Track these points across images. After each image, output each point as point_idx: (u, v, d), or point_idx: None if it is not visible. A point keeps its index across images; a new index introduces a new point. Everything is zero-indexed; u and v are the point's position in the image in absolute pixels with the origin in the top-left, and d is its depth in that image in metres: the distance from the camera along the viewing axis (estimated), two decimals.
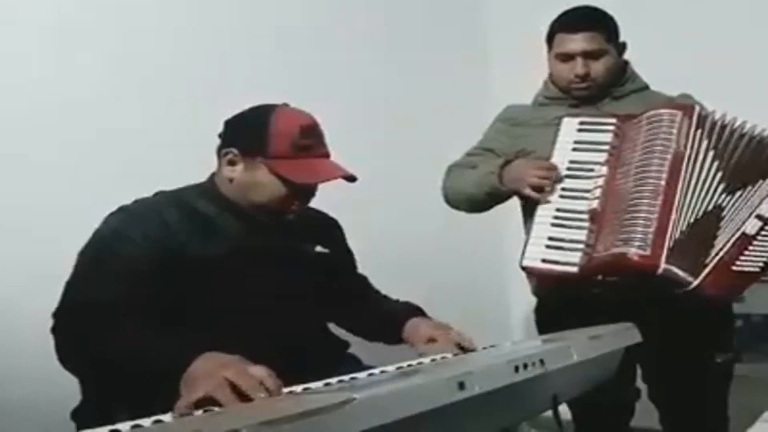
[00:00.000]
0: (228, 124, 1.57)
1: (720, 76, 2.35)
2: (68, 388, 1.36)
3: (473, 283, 2.86)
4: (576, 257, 1.71)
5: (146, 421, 0.99)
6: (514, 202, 1.96)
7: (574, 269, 1.70)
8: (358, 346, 1.68)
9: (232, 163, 1.52)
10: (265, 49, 2.39)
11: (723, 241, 1.66)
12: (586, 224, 1.74)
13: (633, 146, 1.77)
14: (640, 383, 2.01)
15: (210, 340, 1.28)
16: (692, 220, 1.67)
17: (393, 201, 2.54)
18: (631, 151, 1.77)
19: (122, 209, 1.46)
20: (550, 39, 1.94)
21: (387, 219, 2.49)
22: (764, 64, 2.43)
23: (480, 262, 2.93)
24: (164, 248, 1.40)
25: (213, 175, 1.58)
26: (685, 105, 1.80)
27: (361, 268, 1.81)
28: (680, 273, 1.62)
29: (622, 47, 1.95)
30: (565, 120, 1.86)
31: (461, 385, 0.96)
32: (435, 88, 2.87)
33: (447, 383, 0.95)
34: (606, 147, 1.80)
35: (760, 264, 1.66)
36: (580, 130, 1.84)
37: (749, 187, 1.70)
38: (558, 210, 1.78)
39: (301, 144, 1.49)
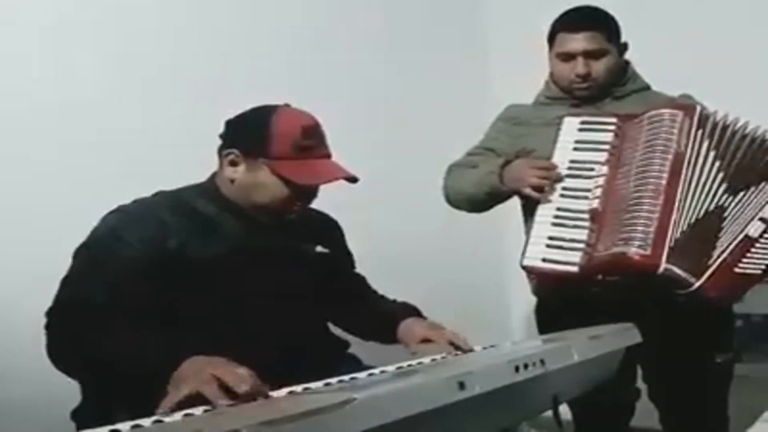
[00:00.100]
0: (229, 124, 1.57)
1: (721, 76, 2.35)
2: (68, 388, 1.36)
3: (473, 283, 2.86)
4: (576, 257, 1.71)
5: (146, 421, 0.99)
6: (515, 202, 1.96)
7: (575, 269, 1.70)
8: (358, 346, 1.68)
9: (233, 163, 1.52)
10: (265, 49, 2.39)
11: (725, 243, 1.66)
12: (587, 224, 1.74)
13: (634, 146, 1.77)
14: (640, 383, 2.01)
15: (209, 340, 1.29)
16: (693, 220, 1.67)
17: (393, 201, 2.54)
18: (632, 151, 1.77)
19: (120, 209, 1.46)
20: (552, 39, 1.94)
21: (387, 219, 2.49)
22: (765, 64, 2.43)
23: (480, 262, 2.93)
24: (161, 249, 1.40)
25: (214, 175, 1.58)
26: (686, 105, 1.80)
27: (361, 268, 1.81)
28: (681, 273, 1.62)
29: (623, 47, 1.95)
30: (566, 119, 1.86)
31: (461, 385, 0.96)
32: (435, 88, 2.87)
33: (447, 383, 0.95)
34: (607, 147, 1.80)
35: (762, 266, 1.66)
36: (581, 130, 1.84)
37: (751, 189, 1.70)
38: (558, 209, 1.78)
39: (302, 145, 1.49)
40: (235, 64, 2.29)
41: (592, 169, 1.79)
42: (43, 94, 1.90)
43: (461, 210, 2.04)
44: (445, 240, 2.68)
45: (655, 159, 1.71)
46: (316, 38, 2.53)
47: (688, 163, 1.70)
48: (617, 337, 1.41)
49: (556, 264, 1.73)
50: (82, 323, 1.29)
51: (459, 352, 1.52)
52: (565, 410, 1.59)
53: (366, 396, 0.84)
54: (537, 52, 2.00)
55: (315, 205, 1.62)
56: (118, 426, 0.95)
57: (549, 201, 1.79)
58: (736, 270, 1.64)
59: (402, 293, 1.78)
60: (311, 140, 1.51)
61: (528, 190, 1.81)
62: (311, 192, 1.55)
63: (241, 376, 1.08)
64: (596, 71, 1.89)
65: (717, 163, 1.71)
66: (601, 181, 1.76)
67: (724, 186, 1.70)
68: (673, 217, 1.65)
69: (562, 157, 1.82)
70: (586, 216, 1.74)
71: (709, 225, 1.68)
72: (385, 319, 1.68)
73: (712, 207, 1.69)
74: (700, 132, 1.73)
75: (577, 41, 1.88)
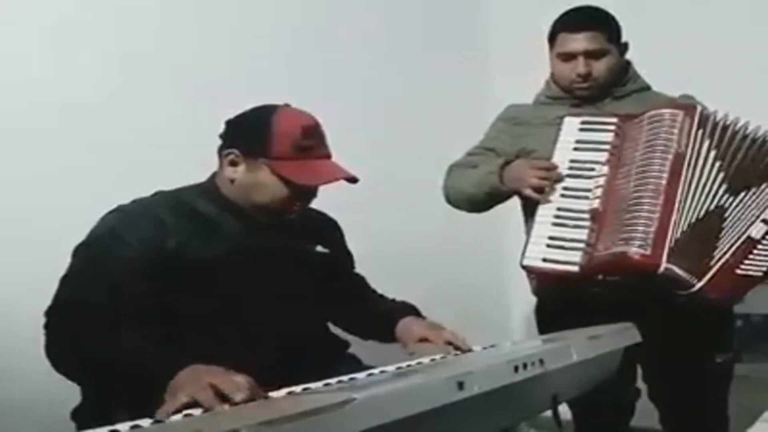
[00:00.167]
0: (229, 124, 1.57)
1: (721, 76, 2.35)
2: (68, 388, 1.36)
3: (473, 283, 2.86)
4: (577, 256, 1.71)
5: (146, 422, 0.99)
6: (515, 202, 1.96)
7: (575, 268, 1.70)
8: (358, 346, 1.68)
9: (233, 163, 1.52)
10: (265, 49, 2.39)
11: (727, 244, 1.66)
12: (587, 224, 1.73)
13: (634, 146, 1.77)
14: (640, 383, 2.01)
15: (209, 340, 1.29)
16: (694, 220, 1.67)
17: (393, 201, 2.54)
18: (632, 151, 1.77)
19: (120, 209, 1.46)
20: (552, 38, 1.94)
21: (387, 219, 2.49)
22: (765, 64, 2.43)
23: (480, 262, 2.93)
24: (161, 249, 1.40)
25: (214, 175, 1.58)
26: (686, 105, 1.80)
27: (361, 268, 1.81)
28: (681, 273, 1.62)
29: (623, 47, 1.95)
30: (567, 119, 1.85)
31: (461, 385, 0.96)
32: (435, 88, 2.87)
33: (447, 383, 0.95)
34: (607, 146, 1.80)
35: (764, 268, 1.66)
36: (581, 130, 1.84)
37: (752, 190, 1.70)
38: (559, 209, 1.78)
39: (302, 145, 1.49)
40: (235, 64, 2.29)
41: (592, 169, 1.79)
42: (43, 94, 1.90)
43: (461, 210, 2.04)
44: (445, 240, 2.68)
45: (655, 159, 1.71)
46: (316, 38, 2.53)
47: (689, 163, 1.70)
48: (617, 337, 1.41)
49: (556, 264, 1.73)
50: (81, 323, 1.29)
51: (458, 352, 1.52)
52: (565, 410, 1.59)
53: (365, 396, 0.84)
54: (537, 52, 2.00)
55: (315, 205, 1.62)
56: (118, 426, 0.95)
57: (549, 201, 1.79)
58: (738, 271, 1.64)
59: (402, 293, 1.78)
60: (311, 140, 1.51)
61: (528, 191, 1.81)
62: (311, 192, 1.55)
63: (238, 384, 1.08)
64: (597, 71, 1.89)
65: (717, 164, 1.71)
66: (601, 181, 1.76)
67: (724, 186, 1.70)
68: (674, 217, 1.65)
69: (562, 156, 1.82)
70: (586, 216, 1.74)
71: (710, 225, 1.67)
72: (383, 318, 1.68)
73: (712, 207, 1.69)
74: (700, 132, 1.73)
75: (578, 41, 1.88)
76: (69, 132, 1.92)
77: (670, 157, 1.70)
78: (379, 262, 1.85)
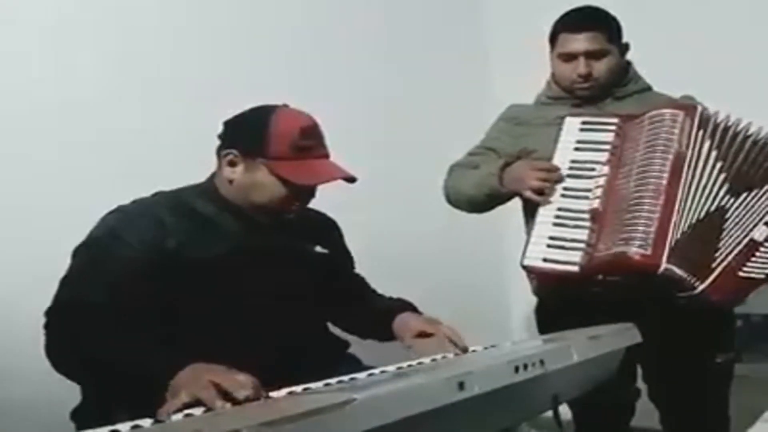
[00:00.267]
0: (228, 124, 1.57)
1: (722, 76, 2.35)
2: (68, 388, 1.36)
3: (473, 283, 2.86)
4: (577, 256, 1.71)
5: (146, 422, 0.99)
6: (515, 202, 1.96)
7: (575, 268, 1.70)
8: (358, 346, 1.68)
9: (232, 164, 1.52)
10: (265, 49, 2.39)
11: (730, 246, 1.66)
12: (588, 224, 1.73)
13: (635, 146, 1.77)
14: (640, 383, 2.01)
15: (209, 340, 1.29)
16: (694, 221, 1.67)
17: (393, 201, 2.54)
18: (632, 151, 1.77)
19: (120, 209, 1.46)
20: (553, 39, 1.94)
21: (387, 219, 2.49)
22: (766, 64, 2.43)
23: (480, 262, 2.92)
24: (161, 249, 1.40)
25: (213, 175, 1.58)
26: (687, 105, 1.80)
27: (361, 268, 1.81)
28: (682, 273, 1.62)
29: (624, 48, 1.95)
30: (568, 119, 1.86)
31: (461, 385, 0.96)
32: (435, 88, 2.86)
33: (447, 383, 0.95)
34: (608, 147, 1.80)
35: (767, 271, 1.66)
36: (582, 130, 1.84)
37: (755, 191, 1.70)
38: (559, 209, 1.78)
39: (301, 145, 1.50)
40: (235, 64, 2.29)
41: (593, 169, 1.79)
42: (43, 94, 1.90)
43: (462, 210, 2.04)
44: (445, 240, 2.68)
45: (655, 159, 1.71)
46: (316, 38, 2.53)
47: (689, 163, 1.70)
48: (617, 337, 1.41)
49: (556, 264, 1.73)
50: (81, 323, 1.29)
51: (457, 350, 1.51)
52: (565, 410, 1.59)
53: (366, 396, 0.84)
54: (537, 52, 2.00)
55: (315, 205, 1.62)
56: (118, 426, 0.94)
57: (550, 201, 1.79)
58: (740, 274, 1.65)
59: (402, 293, 1.78)
60: (310, 140, 1.51)
61: (529, 193, 1.81)
62: (309, 192, 1.55)
63: (240, 382, 1.08)
64: (598, 71, 1.89)
65: (719, 165, 1.71)
66: (602, 181, 1.76)
67: (725, 187, 1.70)
68: (674, 217, 1.65)
69: (563, 157, 1.82)
70: (586, 216, 1.74)
71: (711, 226, 1.67)
72: (381, 315, 1.68)
73: (713, 208, 1.69)
74: (701, 132, 1.73)
75: (579, 41, 1.88)
76: (69, 132, 1.92)
77: (671, 157, 1.70)
78: (378, 262, 1.85)
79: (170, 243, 1.41)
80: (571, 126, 1.85)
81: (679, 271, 1.62)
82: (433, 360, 1.44)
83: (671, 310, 1.72)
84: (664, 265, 1.62)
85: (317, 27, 2.54)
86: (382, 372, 1.30)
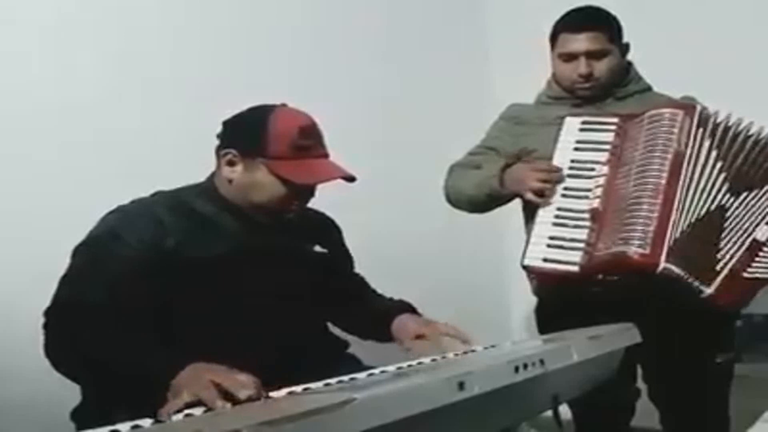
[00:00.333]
0: (227, 124, 1.57)
1: (722, 77, 2.35)
2: (68, 388, 1.36)
3: (473, 283, 2.86)
4: (577, 256, 1.71)
5: (146, 422, 0.99)
6: (515, 203, 1.96)
7: (575, 268, 1.70)
8: (357, 346, 1.68)
9: (231, 163, 1.52)
10: (264, 49, 2.39)
11: (731, 246, 1.66)
12: (587, 223, 1.74)
13: (634, 145, 1.77)
14: (640, 383, 2.01)
15: (208, 340, 1.29)
16: (693, 220, 1.67)
17: (393, 201, 2.54)
18: (632, 151, 1.77)
19: (119, 209, 1.46)
20: (554, 39, 1.94)
21: (387, 219, 2.49)
22: (766, 64, 2.43)
23: (480, 262, 2.92)
24: (160, 249, 1.40)
25: (212, 175, 1.58)
26: (687, 104, 1.80)
27: (361, 268, 1.81)
28: (680, 272, 1.62)
29: (625, 48, 1.95)
30: (568, 119, 1.86)
31: (461, 385, 0.96)
32: (435, 88, 2.86)
33: (447, 383, 0.95)
34: (607, 146, 1.80)
35: None
36: (582, 130, 1.84)
37: (755, 191, 1.70)
38: (559, 209, 1.78)
39: (300, 144, 1.50)
40: (235, 64, 2.29)
41: (592, 169, 1.79)
42: (43, 94, 1.91)
43: (462, 210, 2.04)
44: (445, 240, 2.68)
45: (654, 158, 1.71)
46: (316, 38, 2.53)
47: (688, 162, 1.70)
48: (617, 337, 1.41)
49: (556, 264, 1.73)
50: (80, 323, 1.29)
51: (457, 350, 1.51)
52: (565, 410, 1.59)
53: (366, 396, 0.84)
54: (537, 52, 2.00)
55: (314, 204, 1.62)
56: (118, 426, 0.94)
57: (550, 201, 1.79)
58: (745, 275, 1.65)
59: (401, 293, 1.78)
60: (308, 140, 1.51)
61: (529, 195, 1.80)
62: (309, 191, 1.55)
63: (242, 382, 1.08)
64: (598, 71, 1.89)
65: (719, 164, 1.71)
66: (601, 180, 1.76)
67: (725, 187, 1.70)
68: (673, 216, 1.65)
69: (563, 156, 1.82)
70: (586, 216, 1.74)
71: (711, 225, 1.67)
72: (379, 316, 1.68)
73: (713, 207, 1.69)
74: (700, 131, 1.73)
75: (580, 41, 1.88)
76: (69, 132, 1.92)
77: (670, 156, 1.70)
78: (378, 262, 1.85)
79: (170, 243, 1.41)
80: (571, 126, 1.85)
81: (677, 270, 1.62)
82: (434, 360, 1.44)
83: (671, 310, 1.72)
84: (662, 265, 1.62)
85: (317, 27, 2.54)
86: (382, 372, 1.29)
